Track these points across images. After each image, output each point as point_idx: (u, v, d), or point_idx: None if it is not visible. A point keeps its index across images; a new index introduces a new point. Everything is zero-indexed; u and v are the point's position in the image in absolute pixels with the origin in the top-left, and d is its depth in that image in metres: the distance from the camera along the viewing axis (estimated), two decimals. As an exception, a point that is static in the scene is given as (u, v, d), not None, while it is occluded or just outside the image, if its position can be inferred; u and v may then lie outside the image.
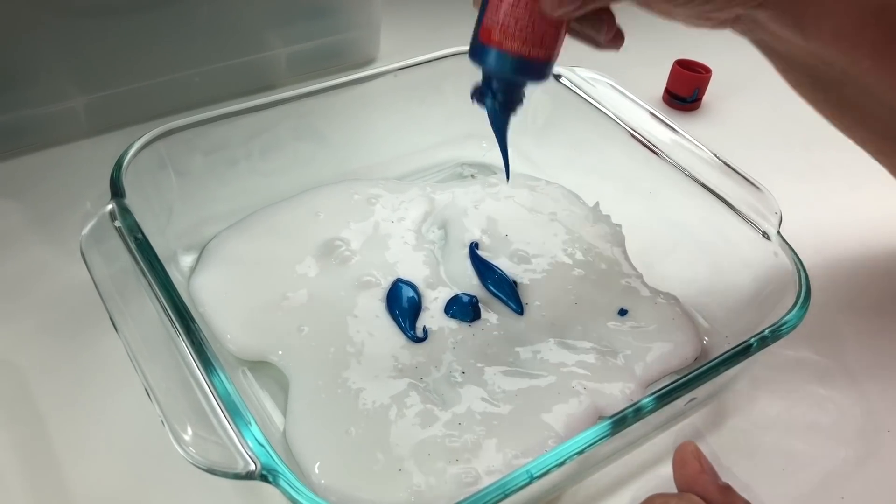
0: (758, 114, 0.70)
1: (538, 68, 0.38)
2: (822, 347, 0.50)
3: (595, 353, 0.45)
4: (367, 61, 0.72)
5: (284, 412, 0.42)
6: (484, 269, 0.50)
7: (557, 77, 0.55)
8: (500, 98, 0.39)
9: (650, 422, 0.39)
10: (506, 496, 0.32)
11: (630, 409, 0.36)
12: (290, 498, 0.31)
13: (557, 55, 0.39)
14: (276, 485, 0.32)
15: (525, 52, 0.37)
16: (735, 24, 0.44)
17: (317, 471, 0.39)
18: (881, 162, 0.49)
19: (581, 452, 0.34)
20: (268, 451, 0.33)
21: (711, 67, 0.69)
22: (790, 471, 0.43)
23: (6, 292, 0.49)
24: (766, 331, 0.40)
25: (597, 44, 0.41)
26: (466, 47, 0.55)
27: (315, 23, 0.67)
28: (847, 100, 0.45)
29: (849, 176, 0.63)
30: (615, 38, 0.41)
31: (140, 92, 0.62)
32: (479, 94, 0.40)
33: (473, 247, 0.51)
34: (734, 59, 0.51)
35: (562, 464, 0.33)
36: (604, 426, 0.35)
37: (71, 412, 0.43)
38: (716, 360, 0.39)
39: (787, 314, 0.41)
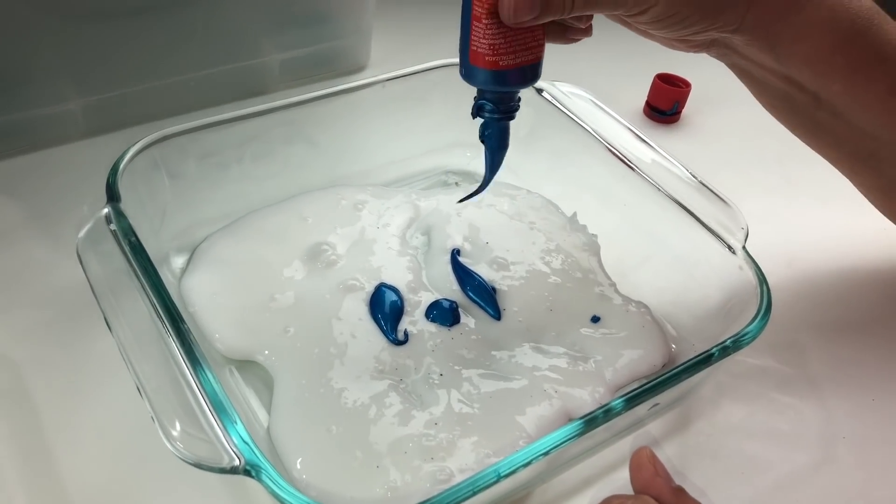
0: (735, 127, 0.72)
1: (532, 71, 0.41)
2: (784, 357, 0.52)
3: (567, 357, 0.47)
4: (359, 68, 0.74)
5: (269, 410, 0.44)
6: (464, 275, 0.52)
7: (539, 91, 0.57)
8: (501, 108, 0.42)
9: (616, 424, 0.41)
10: (474, 493, 0.34)
11: (599, 411, 0.38)
12: (271, 492, 0.33)
13: (543, 51, 0.41)
14: (259, 479, 0.34)
15: (517, 62, 0.39)
16: (710, 47, 0.46)
17: (298, 466, 0.41)
18: (852, 181, 0.51)
19: (547, 453, 0.36)
20: (251, 448, 0.35)
21: (691, 81, 0.72)
22: (748, 475, 0.45)
23: (3, 289, 0.51)
24: (728, 341, 0.42)
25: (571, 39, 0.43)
26: (453, 59, 0.57)
27: (308, 30, 0.69)
28: (819, 122, 0.47)
29: (820, 191, 0.65)
30: (586, 30, 0.43)
31: (136, 95, 0.63)
32: (479, 110, 0.42)
33: (455, 253, 0.53)
34: (713, 74, 0.53)
35: (528, 463, 0.35)
36: (570, 428, 0.37)
37: (65, 406, 0.45)
38: (678, 368, 0.41)
39: (747, 326, 0.43)
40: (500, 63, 0.39)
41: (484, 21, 0.38)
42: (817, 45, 0.43)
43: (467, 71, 0.40)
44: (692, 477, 0.44)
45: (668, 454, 0.46)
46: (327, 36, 0.70)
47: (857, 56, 0.44)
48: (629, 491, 0.38)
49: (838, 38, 0.43)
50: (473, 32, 0.38)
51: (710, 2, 0.42)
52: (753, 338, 0.42)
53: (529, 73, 0.40)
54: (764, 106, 0.49)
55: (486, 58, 0.39)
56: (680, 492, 0.38)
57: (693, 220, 0.49)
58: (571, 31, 0.42)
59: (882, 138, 0.46)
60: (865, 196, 0.52)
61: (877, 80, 0.44)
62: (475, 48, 0.39)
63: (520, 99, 0.42)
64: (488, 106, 0.41)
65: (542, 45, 0.40)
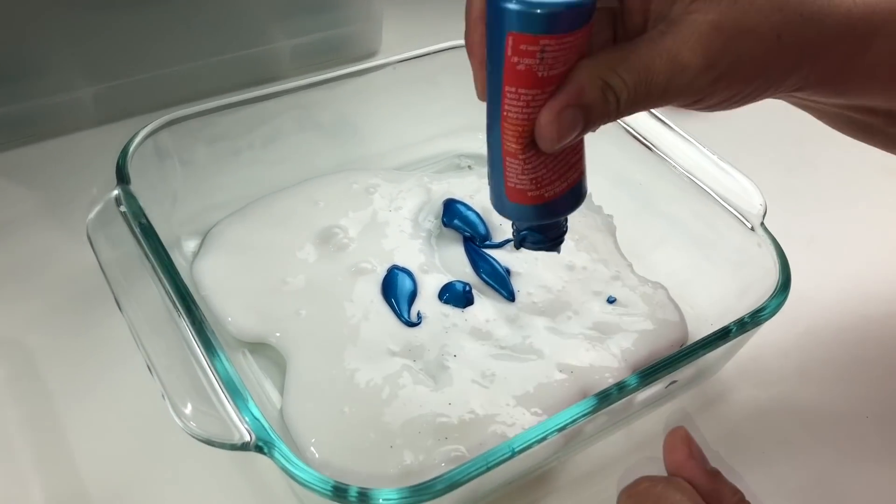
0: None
1: (580, 189, 0.35)
2: (807, 337, 0.51)
3: (583, 338, 0.47)
4: (369, 54, 0.74)
5: (282, 392, 0.44)
6: (477, 258, 0.51)
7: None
8: (549, 236, 0.37)
9: (632, 402, 0.40)
10: (488, 469, 0.34)
11: (614, 387, 0.38)
12: (283, 468, 0.33)
13: (585, 160, 0.35)
14: (271, 456, 0.34)
15: (564, 187, 0.34)
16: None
17: (312, 448, 0.41)
18: None
19: (562, 429, 0.35)
20: (263, 425, 0.34)
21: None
22: (776, 457, 0.45)
23: (16, 275, 0.51)
24: (746, 317, 0.41)
25: None
26: (463, 41, 0.56)
27: (318, 16, 0.69)
28: (891, 134, 0.43)
29: (840, 171, 0.64)
30: None
31: (147, 82, 0.63)
32: (523, 242, 0.37)
33: (468, 236, 0.53)
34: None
35: (543, 439, 0.35)
36: (586, 403, 0.37)
37: (78, 390, 0.45)
38: (697, 344, 0.40)
39: (765, 303, 0.42)
40: (547, 195, 0.33)
41: (521, 157, 0.32)
42: (890, 77, 0.38)
43: (505, 208, 0.34)
44: (721, 460, 0.44)
45: (704, 435, 0.45)
46: (338, 22, 0.70)
47: None
48: (662, 471, 0.37)
49: None
50: (508, 170, 0.32)
51: (773, 73, 0.35)
52: (772, 313, 0.42)
53: (577, 192, 0.35)
54: (826, 124, 0.46)
55: (530, 193, 0.33)
56: (715, 475, 0.36)
57: (710, 198, 0.49)
58: None
59: None
60: None
61: None
62: (513, 185, 0.33)
63: (567, 219, 0.37)
64: (535, 237, 0.36)
65: (584, 156, 0.35)
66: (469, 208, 0.54)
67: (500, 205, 0.34)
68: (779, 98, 0.39)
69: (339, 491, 0.33)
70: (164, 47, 0.63)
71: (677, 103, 0.34)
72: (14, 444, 0.43)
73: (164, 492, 0.41)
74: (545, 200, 0.33)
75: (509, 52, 0.29)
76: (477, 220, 0.54)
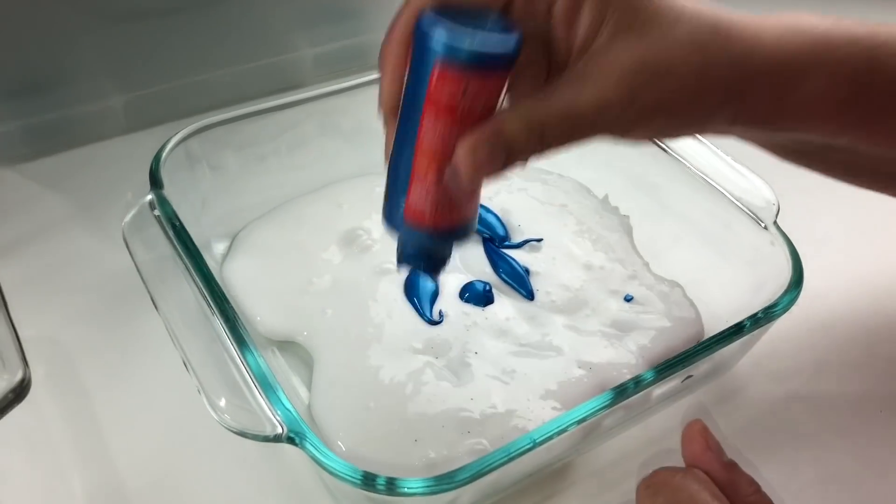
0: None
1: (472, 225, 0.36)
2: (820, 333, 0.52)
3: (601, 335, 0.48)
4: (390, 61, 0.75)
5: (310, 388, 0.46)
6: (496, 257, 0.53)
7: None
8: (433, 265, 0.37)
9: (650, 396, 0.41)
10: (510, 460, 0.35)
11: (630, 381, 0.39)
12: (313, 457, 0.35)
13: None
14: (302, 446, 0.35)
15: (458, 220, 0.34)
16: None
17: (339, 441, 0.42)
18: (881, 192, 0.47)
19: (581, 421, 0.37)
20: (294, 417, 0.36)
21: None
22: (793, 449, 0.46)
23: (54, 277, 0.53)
24: (760, 312, 0.42)
25: None
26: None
27: (340, 25, 0.71)
28: (837, 162, 0.44)
29: (853, 170, 0.65)
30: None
31: (175, 91, 0.65)
32: (406, 261, 0.37)
33: (488, 237, 0.54)
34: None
35: (563, 431, 0.36)
36: (604, 397, 0.38)
37: (113, 386, 0.47)
38: (712, 339, 0.41)
39: (779, 298, 0.43)
40: (441, 224, 0.33)
41: (430, 179, 0.32)
42: (823, 114, 0.37)
43: (399, 227, 0.34)
44: (738, 452, 0.45)
45: (721, 428, 0.46)
46: (360, 30, 0.72)
47: (867, 108, 0.38)
48: (679, 463, 0.38)
49: (842, 100, 0.37)
50: (413, 192, 0.33)
51: (696, 111, 0.35)
52: (785, 309, 0.43)
53: (469, 228, 0.35)
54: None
55: (427, 217, 0.33)
56: (732, 467, 0.37)
57: (723, 198, 0.50)
58: None
59: None
60: None
61: (892, 117, 0.39)
62: (413, 206, 0.33)
63: (453, 250, 0.37)
64: (416, 260, 0.36)
65: (480, 195, 0.35)
66: (488, 210, 0.56)
67: (393, 221, 0.34)
68: (715, 134, 0.38)
69: (368, 480, 0.34)
70: (191, 56, 0.65)
71: (604, 137, 0.34)
72: (54, 438, 0.44)
73: (198, 484, 0.43)
74: (438, 228, 0.34)
75: (433, 83, 0.30)
76: (496, 222, 0.55)
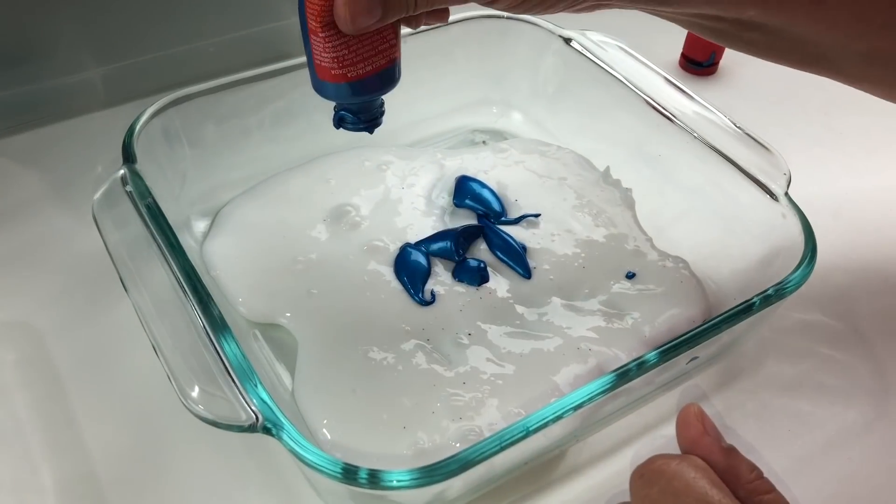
0: (776, 78, 0.68)
1: (389, 75, 0.37)
2: (832, 311, 0.50)
3: (602, 315, 0.45)
4: (382, 30, 0.72)
5: (293, 373, 0.43)
6: (492, 234, 0.50)
7: (568, 41, 0.55)
8: (363, 118, 0.39)
9: (652, 379, 0.39)
10: (502, 448, 0.33)
11: (632, 364, 0.36)
12: (290, 450, 0.32)
13: (398, 51, 0.37)
14: (279, 438, 0.33)
15: (368, 70, 0.36)
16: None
17: (324, 429, 0.40)
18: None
19: (578, 407, 0.34)
20: (270, 407, 0.34)
21: (729, 31, 0.69)
22: (797, 432, 0.44)
23: (25, 258, 0.51)
24: (770, 290, 0.40)
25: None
26: (476, 12, 0.54)
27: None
28: (752, 41, 0.42)
29: (867, 141, 0.62)
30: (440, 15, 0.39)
31: (156, 63, 0.63)
32: (341, 122, 0.39)
33: (482, 213, 0.51)
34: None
35: (559, 418, 0.34)
36: (602, 381, 0.35)
37: (87, 372, 0.45)
38: (719, 318, 0.39)
39: (791, 274, 0.40)
40: (349, 74, 0.35)
41: (321, 34, 0.34)
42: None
43: (317, 86, 0.37)
44: (737, 436, 0.42)
45: (718, 410, 0.44)
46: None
47: None
48: (675, 450, 0.36)
49: None
50: (314, 46, 0.35)
51: None
52: (797, 286, 0.40)
53: (386, 77, 0.37)
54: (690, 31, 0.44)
55: (333, 71, 0.35)
56: (731, 451, 0.35)
57: (733, 168, 0.47)
58: (422, 18, 0.38)
59: (823, 43, 0.41)
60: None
61: None
62: (319, 62, 0.35)
63: (383, 103, 0.39)
64: (349, 117, 0.38)
65: (396, 45, 0.36)
66: (483, 185, 0.53)
67: (315, 83, 0.37)
68: (622, 7, 0.38)
69: (348, 473, 0.32)
70: (173, 26, 0.62)
71: (480, 1, 0.35)
72: (23, 427, 0.42)
73: (174, 475, 0.41)
74: (349, 80, 0.36)
75: None
76: (491, 197, 0.52)
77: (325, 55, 0.35)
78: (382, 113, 0.39)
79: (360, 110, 0.38)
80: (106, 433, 0.42)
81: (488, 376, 0.42)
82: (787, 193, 0.45)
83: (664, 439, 0.42)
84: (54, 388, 0.44)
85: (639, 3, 0.37)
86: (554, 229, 0.51)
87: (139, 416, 0.43)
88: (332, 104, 0.39)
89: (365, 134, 0.57)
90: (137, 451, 0.42)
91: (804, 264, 0.41)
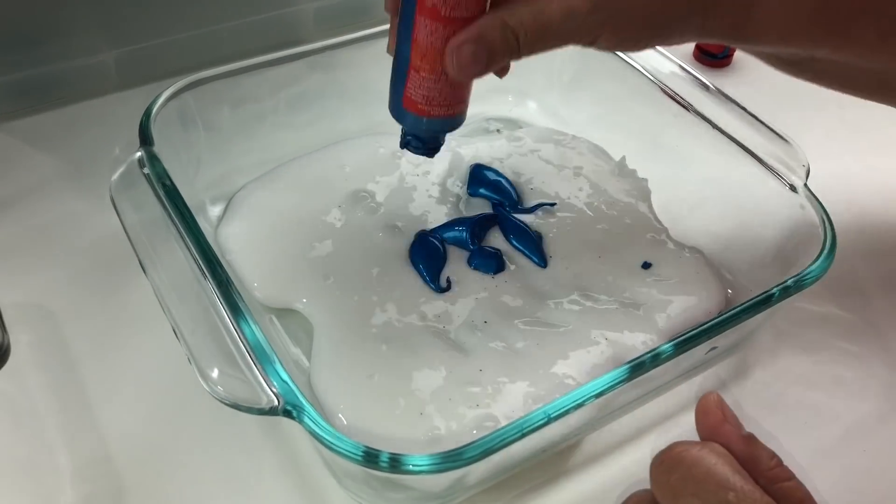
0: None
1: (459, 121, 0.41)
2: (847, 303, 0.50)
3: (618, 305, 0.45)
4: (395, 17, 0.72)
5: (309, 358, 0.43)
6: (508, 223, 0.50)
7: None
8: (428, 146, 0.42)
9: (669, 369, 0.39)
10: (523, 435, 0.33)
11: (649, 355, 0.36)
12: (311, 432, 0.32)
13: (469, 99, 0.40)
14: (299, 420, 0.33)
15: (448, 113, 0.39)
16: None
17: (340, 414, 0.40)
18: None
19: (598, 395, 0.34)
20: (291, 388, 0.33)
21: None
22: (813, 424, 0.44)
23: (40, 241, 0.51)
24: (789, 281, 0.40)
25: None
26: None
27: (343, -22, 0.67)
28: (821, 70, 0.44)
29: (882, 135, 0.62)
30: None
31: (170, 46, 0.62)
32: (407, 145, 0.42)
33: (498, 201, 0.51)
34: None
35: (579, 405, 0.34)
36: (622, 370, 0.35)
37: (102, 355, 0.45)
38: (737, 308, 0.39)
39: (810, 265, 0.40)
40: (432, 113, 0.39)
41: (423, 73, 0.37)
42: (790, 25, 0.39)
43: (396, 112, 0.40)
44: (756, 424, 0.42)
45: (736, 399, 0.44)
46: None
47: (835, 18, 0.39)
48: (694, 437, 0.36)
49: (809, 10, 0.39)
50: (410, 79, 0.38)
51: (659, 20, 0.37)
52: (816, 278, 0.40)
53: (457, 122, 0.40)
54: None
55: (419, 106, 0.38)
56: (751, 439, 0.35)
57: (750, 158, 0.47)
58: (509, 67, 0.40)
59: (888, 72, 0.42)
60: None
61: (863, 31, 0.40)
62: (410, 94, 0.38)
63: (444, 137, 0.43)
64: (415, 143, 0.42)
65: (470, 94, 0.40)
66: (498, 174, 0.53)
67: (394, 108, 0.40)
68: (702, 41, 0.43)
69: (369, 457, 0.32)
70: (187, 10, 0.62)
71: (574, 43, 0.37)
72: (39, 409, 0.42)
73: (190, 458, 0.41)
74: (430, 116, 0.39)
75: None
76: (507, 186, 0.52)
77: (419, 91, 0.38)
78: (443, 143, 0.42)
79: (428, 139, 0.41)
80: (121, 416, 0.42)
81: (504, 364, 0.42)
82: (805, 185, 0.44)
83: (683, 428, 0.41)
84: (69, 369, 0.44)
85: (716, 36, 0.39)
86: (569, 219, 0.51)
87: (154, 398, 0.43)
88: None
89: (379, 119, 0.57)
90: (153, 433, 0.42)
91: (823, 255, 0.41)
